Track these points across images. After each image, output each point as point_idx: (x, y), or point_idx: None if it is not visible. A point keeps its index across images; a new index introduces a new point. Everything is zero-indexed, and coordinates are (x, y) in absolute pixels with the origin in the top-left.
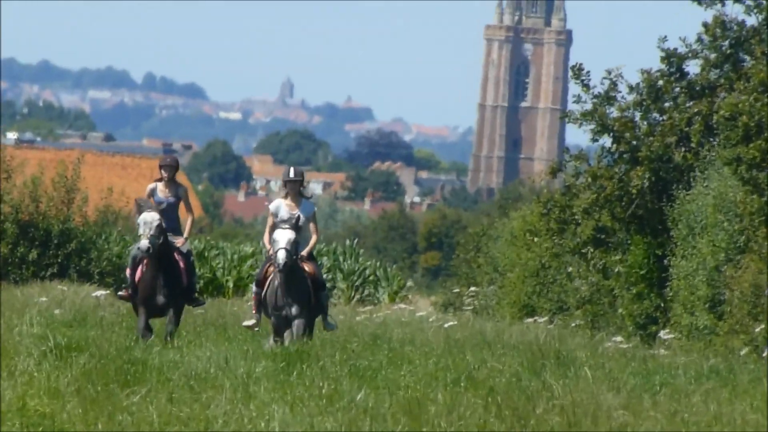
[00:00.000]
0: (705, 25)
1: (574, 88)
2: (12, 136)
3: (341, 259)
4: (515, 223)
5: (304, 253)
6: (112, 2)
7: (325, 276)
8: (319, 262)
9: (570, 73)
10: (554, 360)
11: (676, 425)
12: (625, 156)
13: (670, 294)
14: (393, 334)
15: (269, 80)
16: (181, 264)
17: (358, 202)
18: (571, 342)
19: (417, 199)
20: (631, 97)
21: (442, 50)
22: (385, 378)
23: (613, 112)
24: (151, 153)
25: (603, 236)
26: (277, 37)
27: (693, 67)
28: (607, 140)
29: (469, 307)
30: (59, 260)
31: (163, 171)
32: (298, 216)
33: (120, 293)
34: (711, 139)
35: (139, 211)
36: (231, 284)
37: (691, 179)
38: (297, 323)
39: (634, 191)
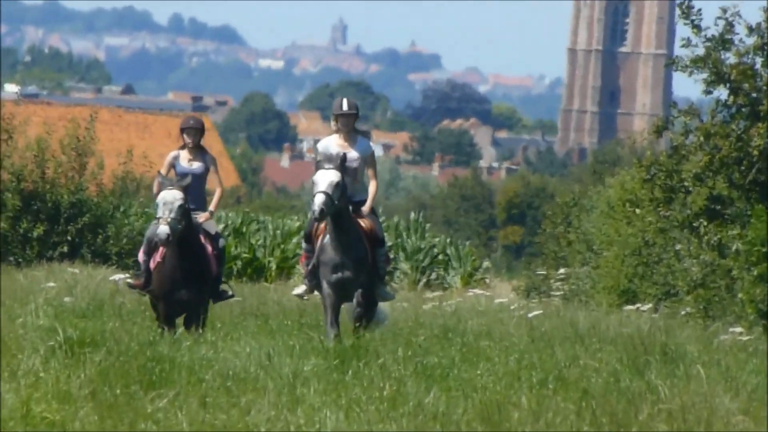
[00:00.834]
0: None
1: (682, 29)
2: (13, 89)
3: (404, 235)
4: (612, 192)
5: (365, 208)
6: None
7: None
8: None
9: (677, 12)
10: (660, 356)
11: None
12: (744, 110)
13: None
14: (467, 325)
15: (318, 22)
16: (209, 248)
17: (425, 166)
18: (680, 334)
19: (495, 164)
20: (750, 41)
21: None
22: (457, 378)
23: (730, 57)
24: (178, 109)
25: (718, 207)
26: None
27: None
28: (722, 92)
29: (557, 293)
30: (70, 238)
31: (185, 135)
32: (344, 154)
33: (130, 281)
34: None
35: (160, 189)
36: (274, 266)
37: None
38: (357, 294)
39: (755, 152)
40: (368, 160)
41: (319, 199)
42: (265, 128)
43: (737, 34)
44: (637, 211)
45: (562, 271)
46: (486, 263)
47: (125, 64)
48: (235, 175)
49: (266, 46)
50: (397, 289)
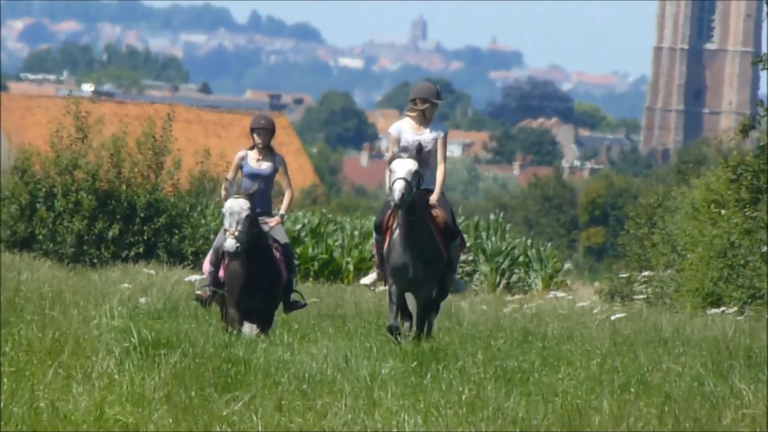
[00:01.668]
0: None
1: None
2: (88, 87)
3: (484, 236)
4: (697, 193)
5: (433, 198)
6: None
7: (464, 257)
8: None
9: (765, 8)
10: (744, 360)
11: None
12: None
13: None
14: (548, 328)
15: (397, 19)
16: (278, 255)
17: (505, 166)
18: (765, 338)
19: (577, 163)
20: None
21: None
22: (538, 382)
23: None
24: (255, 108)
25: None
26: None
27: None
28: None
29: (641, 296)
30: (145, 238)
31: (255, 136)
32: (419, 144)
33: (197, 292)
34: None
35: (227, 196)
36: (351, 267)
37: None
38: (422, 297)
39: None
40: (440, 140)
41: (399, 185)
42: (344, 127)
43: None
44: (723, 212)
45: (645, 273)
46: (567, 265)
47: (202, 62)
48: (312, 174)
49: (345, 44)
50: (476, 291)
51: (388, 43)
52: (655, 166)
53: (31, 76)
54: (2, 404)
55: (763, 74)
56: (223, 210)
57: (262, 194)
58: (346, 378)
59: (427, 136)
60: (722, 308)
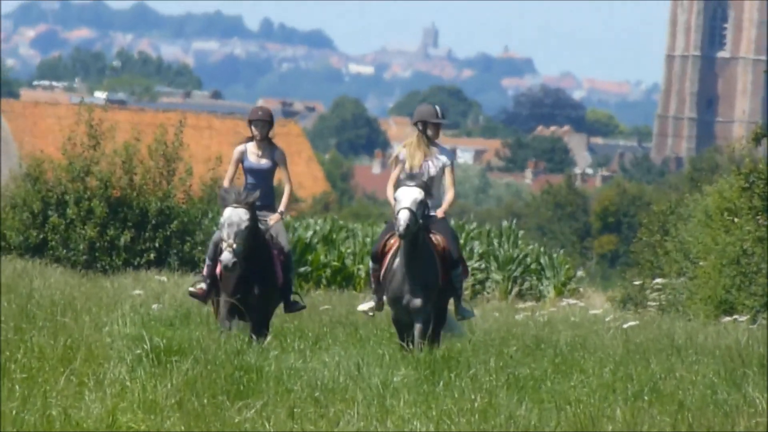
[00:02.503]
0: None
1: None
2: (101, 95)
3: (496, 243)
4: (710, 200)
5: (439, 212)
6: None
7: (477, 264)
8: (470, 247)
9: None
10: (758, 368)
11: None
12: None
13: None
14: (560, 336)
15: (409, 26)
16: (276, 257)
17: (517, 174)
18: None
19: (590, 171)
20: None
21: None
22: (550, 390)
23: None
24: None
25: None
26: None
27: None
28: None
29: (653, 303)
30: (157, 245)
31: (254, 128)
32: (427, 174)
33: (191, 289)
34: None
35: (224, 203)
36: (363, 274)
37: None
38: (417, 328)
39: None
40: (448, 168)
41: (403, 216)
42: (356, 134)
43: None
44: (736, 219)
45: (658, 280)
46: (580, 272)
47: (214, 69)
48: (324, 181)
49: (356, 51)
50: (488, 298)
51: (399, 51)
52: (668, 174)
53: (44, 83)
54: (15, 411)
55: None
56: (222, 219)
57: (262, 188)
58: (359, 386)
59: (435, 162)
60: (735, 316)
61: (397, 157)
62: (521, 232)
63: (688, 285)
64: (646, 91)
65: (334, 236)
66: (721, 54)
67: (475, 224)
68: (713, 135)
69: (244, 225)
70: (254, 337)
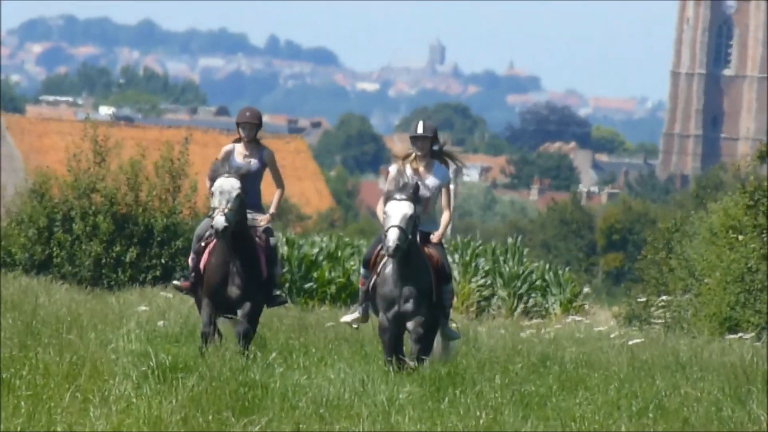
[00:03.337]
0: None
1: None
2: (106, 111)
3: (501, 260)
4: (715, 218)
5: (434, 238)
6: None
7: (482, 281)
8: (474, 263)
9: None
10: (762, 385)
11: None
12: None
13: None
14: (565, 353)
15: (415, 43)
16: (261, 250)
17: (523, 191)
18: None
19: (595, 188)
20: None
21: (625, 6)
22: (555, 407)
23: None
24: (273, 131)
25: None
26: None
27: None
28: None
29: (659, 320)
30: (163, 261)
31: (241, 129)
32: (416, 184)
33: (176, 283)
34: None
35: (213, 176)
36: None
37: None
38: (415, 329)
39: None
40: (444, 187)
41: (393, 235)
42: (361, 151)
43: None
44: (740, 237)
45: (663, 297)
46: (586, 289)
47: (220, 85)
48: (329, 198)
49: (362, 68)
50: (494, 315)
51: (404, 68)
52: (673, 192)
53: (48, 98)
54: (20, 428)
55: None
56: (213, 189)
57: (250, 190)
58: (364, 402)
59: (428, 181)
60: (740, 333)
61: (391, 177)
62: (527, 250)
63: (693, 302)
64: (652, 108)
65: (340, 253)
66: (727, 72)
67: (480, 241)
68: (718, 152)
69: (235, 193)
70: (240, 340)
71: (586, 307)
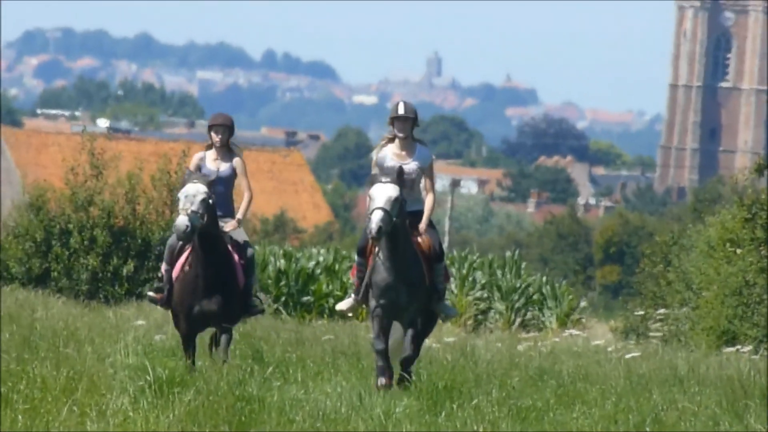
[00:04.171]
0: None
1: None
2: (104, 124)
3: (499, 273)
4: (713, 231)
5: (421, 227)
6: None
7: (479, 294)
8: (471, 277)
9: None
10: (760, 399)
11: None
12: None
13: None
14: (563, 367)
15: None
16: (236, 257)
17: (520, 204)
18: None
19: (592, 201)
20: None
21: (623, 19)
22: (553, 421)
23: None
24: (271, 144)
25: None
26: (422, 3)
27: None
28: None
29: (656, 334)
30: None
31: (213, 133)
32: (400, 167)
33: (150, 294)
34: None
35: (185, 183)
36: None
37: None
38: (407, 339)
39: None
40: (426, 170)
41: (376, 216)
42: (359, 164)
43: None
44: (738, 250)
45: (660, 311)
46: (583, 303)
47: (218, 99)
48: (327, 211)
49: (360, 81)
50: (491, 329)
51: (402, 81)
52: (671, 205)
53: (46, 111)
54: None
55: None
56: (179, 194)
57: (221, 196)
58: (361, 416)
59: (411, 165)
60: (737, 347)
61: (374, 161)
62: (524, 263)
63: (690, 315)
64: (649, 121)
65: (337, 266)
66: (724, 84)
67: (477, 254)
68: (716, 165)
69: (200, 197)
70: (222, 345)
71: (584, 320)
